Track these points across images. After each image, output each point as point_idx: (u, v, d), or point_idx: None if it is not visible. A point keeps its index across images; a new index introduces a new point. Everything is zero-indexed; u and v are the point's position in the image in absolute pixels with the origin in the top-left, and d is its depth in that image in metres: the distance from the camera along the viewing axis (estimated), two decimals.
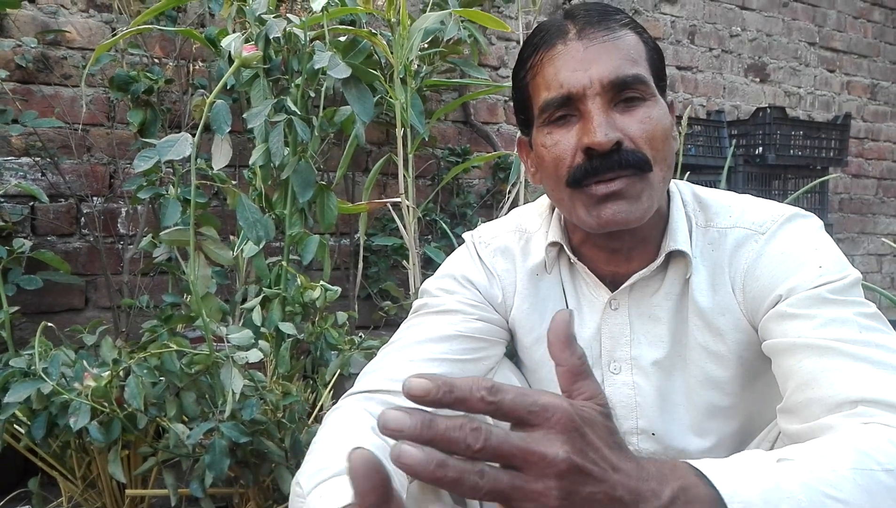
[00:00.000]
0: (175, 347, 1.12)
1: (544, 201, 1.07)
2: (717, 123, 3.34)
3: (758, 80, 3.91)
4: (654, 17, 3.50)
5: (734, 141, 3.35)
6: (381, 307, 2.22)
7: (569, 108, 0.88)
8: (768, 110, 3.39)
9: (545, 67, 0.90)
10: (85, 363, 1.12)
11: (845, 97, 4.29)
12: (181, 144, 1.13)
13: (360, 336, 1.46)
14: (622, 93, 0.87)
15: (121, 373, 1.09)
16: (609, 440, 0.51)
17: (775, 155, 3.34)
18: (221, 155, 1.19)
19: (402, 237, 1.99)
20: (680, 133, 2.00)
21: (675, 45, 3.60)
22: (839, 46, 4.25)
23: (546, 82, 0.89)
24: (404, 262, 2.03)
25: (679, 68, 3.62)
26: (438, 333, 0.97)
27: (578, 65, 0.87)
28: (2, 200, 2.02)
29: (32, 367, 1.09)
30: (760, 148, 3.38)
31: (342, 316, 1.44)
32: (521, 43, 0.97)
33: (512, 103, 1.01)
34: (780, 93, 4.01)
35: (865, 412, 0.72)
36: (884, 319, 0.84)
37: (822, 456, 0.63)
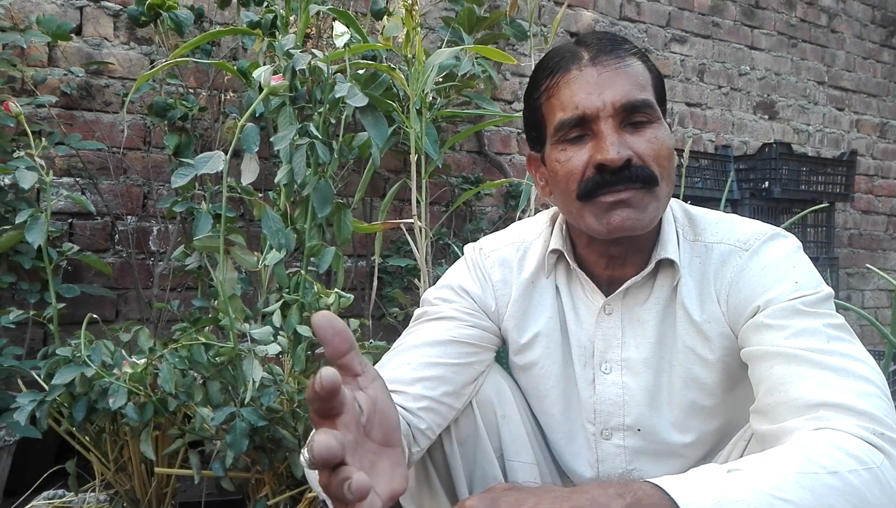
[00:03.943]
0: (203, 340, 1.25)
1: (545, 214, 1.17)
2: (723, 157, 3.45)
3: (766, 117, 4.02)
4: (664, 56, 3.62)
5: (740, 175, 3.46)
6: (388, 313, 2.35)
7: (583, 127, 0.96)
8: (774, 146, 3.49)
9: (561, 89, 0.98)
10: (123, 352, 1.25)
11: (854, 135, 4.37)
12: (215, 160, 1.27)
13: (371, 342, 1.59)
14: (632, 115, 0.96)
15: (154, 363, 1.22)
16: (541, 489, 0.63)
17: (781, 189, 3.43)
18: (249, 172, 1.33)
19: (415, 259, 2.12)
20: (682, 164, 2.11)
21: (685, 82, 3.71)
22: (848, 86, 4.35)
23: (562, 104, 0.97)
24: (416, 281, 2.15)
25: (688, 105, 3.72)
26: (434, 338, 1.04)
27: (593, 88, 0.95)
28: None
29: (77, 355, 1.23)
30: (767, 182, 3.49)
31: (354, 322, 1.56)
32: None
33: (523, 124, 1.10)
34: (789, 130, 4.10)
35: (825, 416, 0.79)
36: (850, 330, 0.92)
37: (769, 465, 0.71)
